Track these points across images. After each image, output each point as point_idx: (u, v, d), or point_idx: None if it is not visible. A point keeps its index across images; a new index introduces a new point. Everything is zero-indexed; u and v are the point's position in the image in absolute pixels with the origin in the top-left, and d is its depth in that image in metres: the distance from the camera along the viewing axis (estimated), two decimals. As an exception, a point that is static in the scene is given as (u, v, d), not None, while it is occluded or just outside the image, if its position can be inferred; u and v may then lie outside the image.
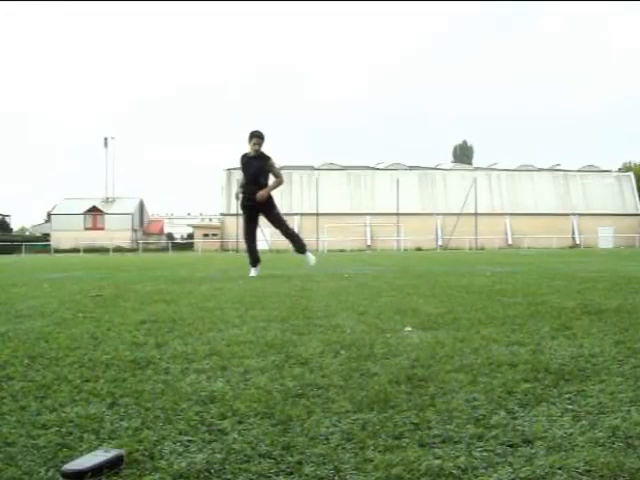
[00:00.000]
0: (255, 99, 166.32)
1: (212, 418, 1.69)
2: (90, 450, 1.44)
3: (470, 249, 45.31)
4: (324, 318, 3.77)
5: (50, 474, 1.32)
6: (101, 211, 62.21)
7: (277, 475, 1.31)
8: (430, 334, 3.08)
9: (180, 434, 1.56)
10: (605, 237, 56.05)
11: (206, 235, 61.15)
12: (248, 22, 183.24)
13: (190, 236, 67.74)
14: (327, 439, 1.51)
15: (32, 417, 1.73)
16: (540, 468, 1.30)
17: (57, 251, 52.64)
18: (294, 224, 54.44)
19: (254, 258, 9.35)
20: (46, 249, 54.34)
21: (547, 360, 2.37)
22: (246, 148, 9.23)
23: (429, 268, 11.47)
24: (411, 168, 59.95)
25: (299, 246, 9.61)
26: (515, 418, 1.65)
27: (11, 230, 71.77)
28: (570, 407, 1.75)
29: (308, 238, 53.75)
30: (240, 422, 1.65)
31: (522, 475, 1.28)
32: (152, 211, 73.45)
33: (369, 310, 4.18)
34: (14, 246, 51.51)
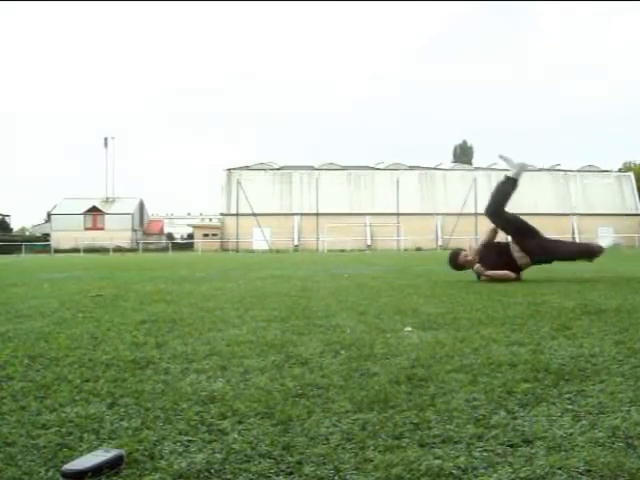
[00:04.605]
0: (255, 99, 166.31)
1: (212, 418, 1.69)
2: (90, 450, 1.44)
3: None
4: (324, 318, 3.77)
5: (50, 474, 1.32)
6: (101, 211, 62.18)
7: (277, 475, 1.31)
8: (430, 334, 3.08)
9: (180, 434, 1.56)
10: (605, 237, 56.01)
11: (206, 235, 61.10)
12: (247, 21, 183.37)
13: (190, 236, 67.68)
14: (327, 439, 1.51)
15: (32, 417, 1.73)
16: (540, 468, 1.31)
17: (57, 251, 52.59)
18: (294, 224, 54.47)
19: None
20: (46, 249, 54.29)
21: (547, 360, 2.37)
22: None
23: (429, 268, 11.47)
24: (411, 168, 59.87)
25: None
26: (515, 418, 1.65)
27: (11, 230, 71.73)
28: (570, 407, 1.75)
29: (308, 238, 53.92)
30: (240, 422, 1.65)
31: (522, 475, 1.28)
32: (152, 211, 73.39)
33: (369, 310, 4.18)
34: (14, 246, 51.47)
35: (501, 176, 8.32)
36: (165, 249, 56.76)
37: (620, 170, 66.75)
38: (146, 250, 54.62)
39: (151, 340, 3.02)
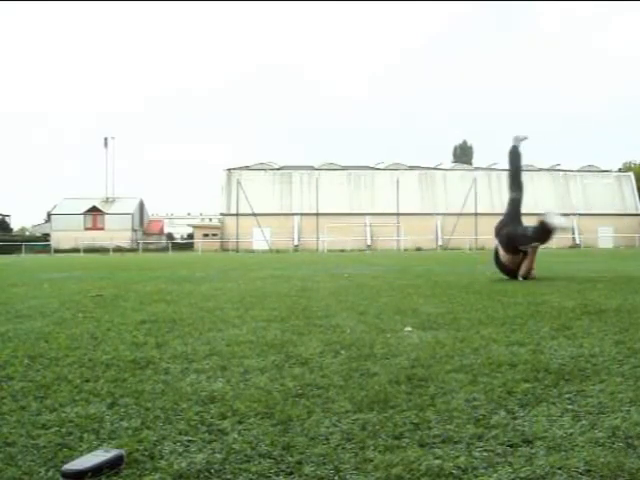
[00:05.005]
0: (255, 99, 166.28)
1: (212, 418, 1.69)
2: (90, 450, 1.44)
3: (470, 249, 45.30)
4: (324, 318, 3.78)
5: (50, 474, 1.32)
6: (101, 211, 62.13)
7: (277, 475, 1.31)
8: (430, 334, 3.08)
9: (180, 434, 1.56)
10: (605, 237, 56.04)
11: (206, 235, 61.05)
12: (247, 21, 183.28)
13: (190, 236, 67.66)
14: (327, 439, 1.51)
15: (32, 417, 1.73)
16: (540, 468, 1.31)
17: (57, 251, 52.56)
18: (294, 224, 54.47)
19: None
20: (46, 249, 54.24)
21: (547, 360, 2.37)
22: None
23: (429, 268, 11.47)
24: (411, 168, 59.82)
25: None
26: (515, 418, 1.65)
27: (11, 230, 71.68)
28: (570, 407, 1.75)
29: (308, 238, 53.86)
30: (240, 422, 1.65)
31: (522, 475, 1.28)
32: (152, 211, 73.37)
33: (369, 310, 4.18)
34: (14, 246, 51.44)
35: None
36: (165, 249, 56.72)
37: (620, 170, 66.74)
38: (146, 250, 54.62)
39: (151, 340, 3.02)
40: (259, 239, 53.06)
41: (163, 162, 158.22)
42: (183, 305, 4.75)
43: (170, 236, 69.95)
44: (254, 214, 53.75)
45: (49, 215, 68.00)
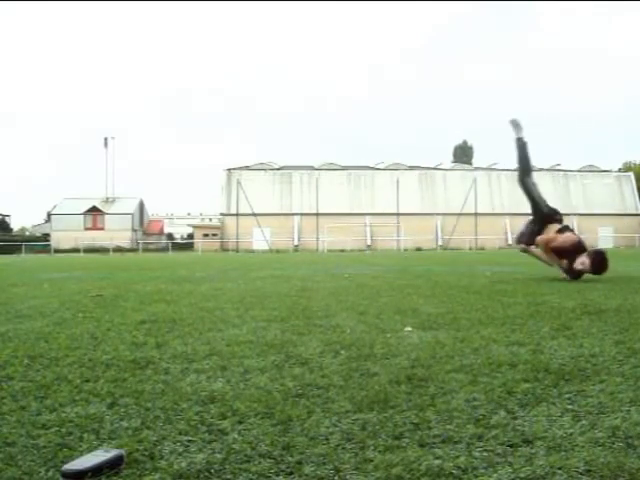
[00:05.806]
0: (255, 99, 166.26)
1: (212, 418, 1.69)
2: (90, 450, 1.44)
3: (470, 249, 45.31)
4: (324, 318, 3.78)
5: (50, 474, 1.32)
6: (101, 211, 62.14)
7: (277, 475, 1.31)
8: (430, 334, 3.08)
9: (180, 434, 1.56)
10: (605, 237, 56.03)
11: (206, 235, 61.04)
12: (247, 21, 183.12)
13: (190, 236, 67.65)
14: (327, 439, 1.51)
15: (32, 417, 1.73)
16: (540, 468, 1.31)
17: (57, 251, 52.56)
18: (294, 224, 54.46)
19: None
20: (46, 249, 54.24)
21: (547, 360, 2.37)
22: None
23: (429, 268, 11.47)
24: (411, 168, 59.83)
25: None
26: (515, 418, 1.65)
27: (11, 230, 71.66)
28: (570, 407, 1.75)
29: (308, 238, 53.82)
30: (240, 422, 1.65)
31: (522, 475, 1.28)
32: (152, 211, 73.37)
33: (369, 310, 4.18)
34: (14, 246, 51.43)
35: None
36: (165, 249, 56.69)
37: (620, 170, 66.76)
38: (146, 250, 54.62)
39: (151, 340, 3.02)
40: (259, 239, 53.07)
41: (163, 162, 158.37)
42: (183, 305, 4.75)
43: (170, 236, 69.94)
44: (254, 214, 53.75)
45: (49, 215, 67.98)
